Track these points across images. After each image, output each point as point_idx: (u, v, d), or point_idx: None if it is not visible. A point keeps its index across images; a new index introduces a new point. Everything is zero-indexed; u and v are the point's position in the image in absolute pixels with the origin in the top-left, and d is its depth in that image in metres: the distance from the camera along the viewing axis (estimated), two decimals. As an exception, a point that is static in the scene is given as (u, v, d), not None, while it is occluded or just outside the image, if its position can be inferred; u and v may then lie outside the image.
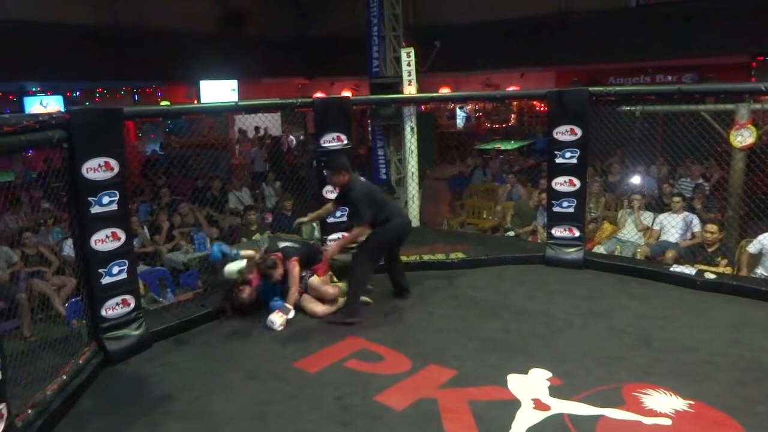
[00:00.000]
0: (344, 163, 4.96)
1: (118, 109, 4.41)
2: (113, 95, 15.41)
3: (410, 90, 7.61)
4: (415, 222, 7.84)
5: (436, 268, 6.03)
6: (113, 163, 4.15)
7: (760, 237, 5.58)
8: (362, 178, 5.18)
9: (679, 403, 3.49)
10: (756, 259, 5.60)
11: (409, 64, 7.61)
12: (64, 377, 3.74)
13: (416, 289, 5.37)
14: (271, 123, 9.77)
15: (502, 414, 3.43)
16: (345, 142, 5.97)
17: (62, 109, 8.61)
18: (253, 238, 7.27)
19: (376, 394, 3.70)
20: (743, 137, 5.73)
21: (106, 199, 4.14)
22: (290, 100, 6.07)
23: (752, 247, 5.60)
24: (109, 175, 4.13)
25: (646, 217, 6.93)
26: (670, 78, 13.31)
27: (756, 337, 4.32)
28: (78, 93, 14.73)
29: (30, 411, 3.31)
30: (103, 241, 4.18)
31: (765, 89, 4.98)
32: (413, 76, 7.63)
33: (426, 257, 6.18)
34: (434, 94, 8.17)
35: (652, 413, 3.41)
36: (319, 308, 5.01)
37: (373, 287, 5.29)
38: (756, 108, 5.97)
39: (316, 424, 3.44)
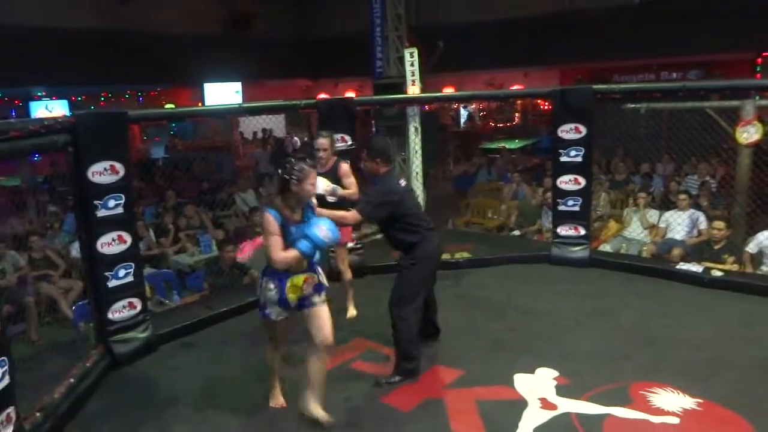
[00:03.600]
0: (380, 149, 3.94)
1: (123, 112, 4.43)
2: (118, 99, 15.47)
3: (414, 90, 7.61)
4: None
5: (442, 268, 5.88)
6: (119, 166, 4.17)
7: (758, 235, 5.56)
8: (402, 181, 4.04)
9: (687, 402, 3.48)
10: (757, 257, 5.58)
11: (412, 64, 7.61)
12: (72, 380, 3.75)
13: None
14: (275, 125, 9.80)
15: (510, 414, 3.43)
16: (349, 142, 5.97)
17: (67, 114, 8.65)
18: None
19: (383, 395, 3.71)
20: (749, 134, 5.70)
21: (112, 203, 4.15)
22: (294, 102, 6.09)
23: (752, 247, 5.57)
24: (114, 178, 4.15)
25: (652, 214, 6.91)
26: (675, 75, 13.25)
27: (764, 334, 4.30)
28: (83, 97, 14.78)
29: (38, 414, 3.33)
30: (110, 244, 4.19)
31: (770, 85, 4.96)
32: (417, 76, 7.63)
33: (431, 257, 6.16)
34: (438, 94, 8.18)
35: (660, 412, 3.39)
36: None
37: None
38: (762, 104, 5.94)
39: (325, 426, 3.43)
